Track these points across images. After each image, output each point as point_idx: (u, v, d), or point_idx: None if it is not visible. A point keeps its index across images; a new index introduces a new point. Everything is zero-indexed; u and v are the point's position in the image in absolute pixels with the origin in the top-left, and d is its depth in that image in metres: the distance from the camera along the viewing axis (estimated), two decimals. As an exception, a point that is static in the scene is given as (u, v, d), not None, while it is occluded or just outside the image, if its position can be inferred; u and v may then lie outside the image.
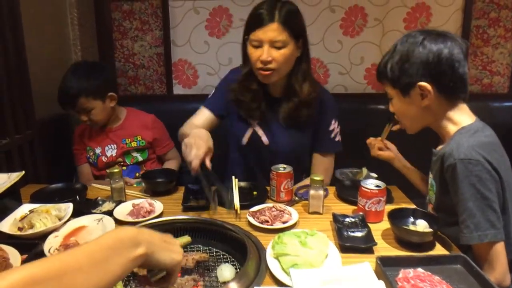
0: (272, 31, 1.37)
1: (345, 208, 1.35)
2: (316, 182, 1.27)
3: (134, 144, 1.88)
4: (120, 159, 1.87)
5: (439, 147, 1.26)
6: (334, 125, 1.63)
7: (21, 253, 1.01)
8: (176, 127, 1.62)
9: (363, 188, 1.23)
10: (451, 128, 1.20)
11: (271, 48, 1.40)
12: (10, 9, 1.63)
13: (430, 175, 1.30)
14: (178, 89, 2.50)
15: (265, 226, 1.17)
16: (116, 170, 1.38)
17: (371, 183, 1.24)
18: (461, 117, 1.20)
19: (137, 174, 1.89)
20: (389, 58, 1.20)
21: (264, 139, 1.59)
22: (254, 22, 1.40)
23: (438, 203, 1.24)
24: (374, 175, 2.21)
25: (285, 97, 1.55)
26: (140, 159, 1.90)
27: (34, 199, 1.37)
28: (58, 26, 2.14)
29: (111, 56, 2.44)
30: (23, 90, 1.72)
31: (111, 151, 1.86)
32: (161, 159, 1.99)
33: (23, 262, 0.99)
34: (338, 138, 1.65)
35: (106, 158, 1.86)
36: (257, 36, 1.39)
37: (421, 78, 1.15)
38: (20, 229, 1.15)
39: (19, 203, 1.31)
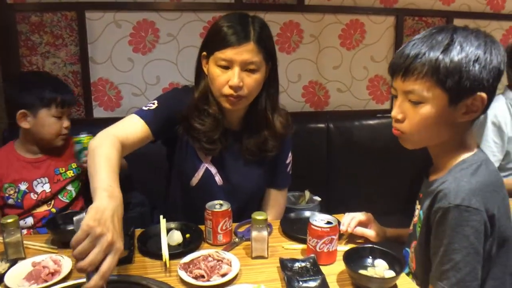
0: (247, 51, 1.17)
1: (293, 249, 1.18)
2: (259, 222, 1.09)
3: (70, 173, 1.59)
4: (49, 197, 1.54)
5: (433, 177, 1.05)
6: (290, 158, 1.48)
7: None
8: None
9: (312, 226, 1.07)
10: (453, 156, 1.00)
11: (242, 72, 1.19)
12: None
13: (418, 206, 1.10)
14: (99, 112, 2.20)
15: (200, 283, 0.96)
16: (10, 220, 1.09)
17: (321, 220, 1.09)
18: (469, 142, 1.00)
19: None
20: (444, 51, 0.90)
21: (218, 178, 1.37)
22: (224, 39, 1.17)
23: (422, 240, 1.03)
24: (318, 198, 2.11)
25: (247, 129, 1.35)
26: (74, 193, 1.59)
27: None
28: None
29: (17, 75, 2.10)
30: None
31: (42, 186, 1.53)
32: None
33: None
34: (290, 171, 1.50)
35: (36, 196, 1.51)
36: (228, 56, 1.17)
37: (483, 87, 0.91)
38: None
39: None
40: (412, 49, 0.94)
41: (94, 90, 2.18)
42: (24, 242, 1.14)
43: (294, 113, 2.34)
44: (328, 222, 1.08)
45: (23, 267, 1.04)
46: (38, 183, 1.54)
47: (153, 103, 1.27)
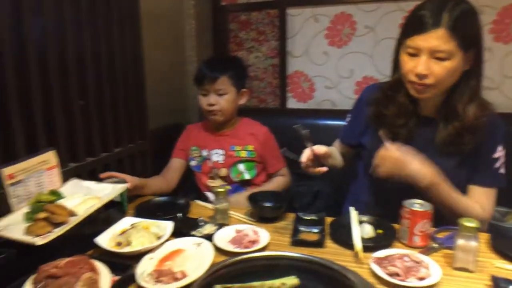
0: (435, 38, 1.08)
1: (505, 269, 0.99)
2: (468, 229, 0.95)
3: (243, 153, 1.68)
4: (224, 170, 1.67)
5: None
6: (501, 153, 1.25)
7: (114, 273, 0.94)
8: (287, 143, 1.40)
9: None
10: None
11: (431, 59, 1.11)
12: (130, 27, 1.66)
13: None
14: (292, 103, 2.34)
15: (395, 281, 0.90)
16: (221, 190, 1.25)
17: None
18: None
19: None
20: None
21: None
22: (413, 25, 1.13)
23: None
24: (532, 220, 1.75)
25: (442, 118, 1.23)
26: (247, 177, 1.68)
27: (137, 212, 1.33)
28: (175, 38, 2.15)
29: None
30: (139, 102, 1.74)
31: (218, 157, 1.69)
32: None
33: (113, 284, 0.90)
34: (502, 169, 1.26)
35: (211, 163, 1.70)
36: (415, 43, 1.11)
37: None
38: (118, 244, 1.09)
39: (123, 215, 1.26)
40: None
41: (289, 82, 2.31)
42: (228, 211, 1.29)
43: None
44: None
45: (228, 232, 1.17)
46: (215, 153, 1.69)
47: (348, 116, 1.47)
